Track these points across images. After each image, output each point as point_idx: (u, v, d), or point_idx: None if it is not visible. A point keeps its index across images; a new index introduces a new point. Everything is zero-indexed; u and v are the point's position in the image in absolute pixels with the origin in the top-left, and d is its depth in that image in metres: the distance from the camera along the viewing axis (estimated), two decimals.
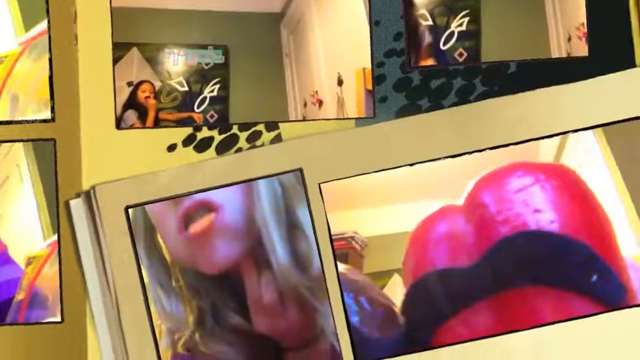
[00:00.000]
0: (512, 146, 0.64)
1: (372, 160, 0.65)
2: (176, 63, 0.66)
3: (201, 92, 0.66)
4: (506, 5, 0.66)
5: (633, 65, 0.66)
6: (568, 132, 0.64)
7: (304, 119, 0.66)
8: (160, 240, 0.65)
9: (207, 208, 0.64)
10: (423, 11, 0.66)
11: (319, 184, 0.65)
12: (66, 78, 0.66)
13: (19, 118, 0.66)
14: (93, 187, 0.65)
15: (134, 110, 0.66)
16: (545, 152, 0.65)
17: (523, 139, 0.64)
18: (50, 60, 0.66)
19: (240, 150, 0.66)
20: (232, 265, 0.64)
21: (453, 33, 0.66)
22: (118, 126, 0.66)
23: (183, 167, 0.65)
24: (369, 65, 0.66)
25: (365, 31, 0.66)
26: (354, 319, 0.64)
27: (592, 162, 0.64)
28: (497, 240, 0.64)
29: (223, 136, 0.66)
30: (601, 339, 0.64)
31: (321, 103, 0.66)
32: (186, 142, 0.66)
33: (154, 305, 0.65)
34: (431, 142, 0.65)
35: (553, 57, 0.66)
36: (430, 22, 0.66)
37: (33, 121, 0.66)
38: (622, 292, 0.63)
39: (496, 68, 0.66)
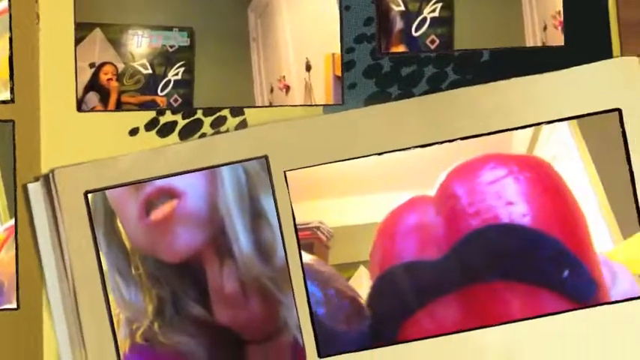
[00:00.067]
0: (484, 137, 0.64)
1: (339, 149, 0.64)
2: (140, 45, 0.66)
3: (165, 75, 0.66)
4: None
5: (610, 56, 0.65)
6: (542, 123, 0.64)
7: (270, 105, 0.66)
8: (120, 226, 0.64)
9: (169, 194, 0.64)
10: None
11: (285, 172, 0.64)
12: (26, 58, 0.65)
13: None
14: (52, 171, 0.65)
15: (96, 92, 0.66)
16: (518, 144, 0.64)
17: (496, 129, 0.64)
18: (10, 39, 0.65)
19: (204, 135, 0.66)
20: (194, 253, 0.64)
21: (425, 19, 0.66)
22: (79, 108, 0.66)
23: (145, 152, 0.65)
24: (338, 51, 0.66)
25: (335, 16, 0.66)
26: (320, 312, 0.64)
27: (566, 155, 0.64)
28: (467, 232, 0.63)
29: (187, 120, 0.66)
30: (574, 336, 0.63)
31: (288, 88, 0.66)
32: (149, 126, 0.66)
33: (112, 293, 0.64)
34: (400, 131, 0.64)
35: (528, 46, 0.66)
36: (402, 8, 0.66)
37: None
38: (593, 288, 0.63)
39: (469, 56, 0.66)
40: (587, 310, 0.63)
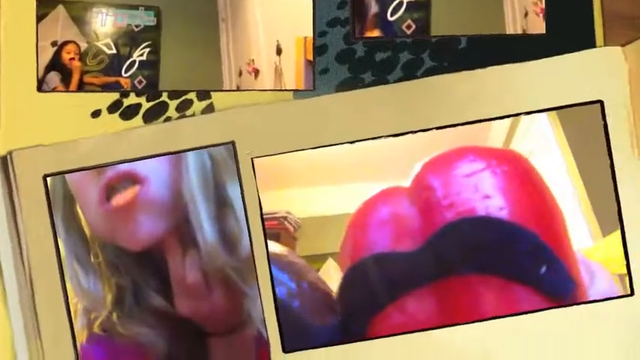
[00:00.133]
0: (460, 127, 0.63)
1: (309, 136, 0.63)
2: (104, 23, 0.65)
3: (129, 56, 0.65)
4: None
5: (593, 45, 0.64)
6: (521, 114, 0.63)
7: (239, 89, 0.65)
8: (80, 212, 0.63)
9: (132, 179, 0.63)
10: None
11: (252, 158, 0.63)
12: None
13: None
14: (10, 153, 0.64)
15: (57, 72, 0.65)
16: (495, 135, 0.63)
17: (472, 119, 0.63)
18: None
19: (169, 119, 0.65)
20: (156, 241, 0.63)
21: (401, 3, 0.65)
22: (40, 88, 0.65)
23: (108, 135, 0.64)
24: (310, 34, 0.65)
25: None
26: (294, 304, 0.63)
27: (545, 148, 0.63)
28: (443, 225, 0.63)
29: (152, 103, 0.65)
30: (551, 335, 0.63)
31: (257, 72, 0.65)
32: (112, 108, 0.65)
33: (70, 282, 0.63)
34: (373, 119, 0.63)
35: (507, 33, 0.65)
36: None
37: None
38: (571, 286, 0.62)
39: (446, 43, 0.65)
40: (565, 308, 0.62)
